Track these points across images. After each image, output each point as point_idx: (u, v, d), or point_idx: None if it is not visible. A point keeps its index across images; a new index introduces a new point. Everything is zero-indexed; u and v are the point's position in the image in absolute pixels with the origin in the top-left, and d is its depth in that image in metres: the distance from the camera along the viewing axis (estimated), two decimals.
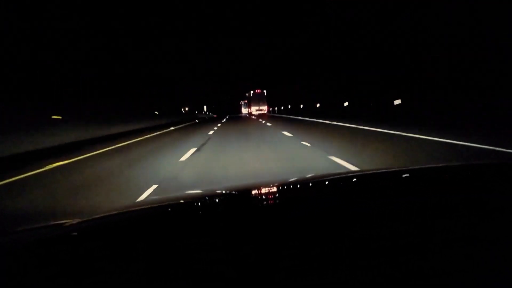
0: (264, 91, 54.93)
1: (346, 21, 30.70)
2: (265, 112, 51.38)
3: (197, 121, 37.81)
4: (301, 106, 44.65)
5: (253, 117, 41.09)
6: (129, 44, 31.69)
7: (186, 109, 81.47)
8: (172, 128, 23.13)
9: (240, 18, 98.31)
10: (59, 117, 17.34)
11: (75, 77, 19.88)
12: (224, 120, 35.20)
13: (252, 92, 56.49)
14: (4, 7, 14.96)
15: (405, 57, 22.06)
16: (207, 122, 33.51)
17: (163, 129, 21.27)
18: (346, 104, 29.71)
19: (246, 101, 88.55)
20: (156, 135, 17.26)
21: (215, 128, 19.36)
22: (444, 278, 0.53)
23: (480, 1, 15.48)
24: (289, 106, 51.28)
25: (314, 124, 18.54)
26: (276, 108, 60.50)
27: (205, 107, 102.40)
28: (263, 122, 24.38)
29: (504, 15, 13.77)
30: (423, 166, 1.63)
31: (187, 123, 30.85)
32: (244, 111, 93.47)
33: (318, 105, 38.04)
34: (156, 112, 35.62)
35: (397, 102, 21.89)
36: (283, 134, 12.96)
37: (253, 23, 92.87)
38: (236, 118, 43.08)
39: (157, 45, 43.23)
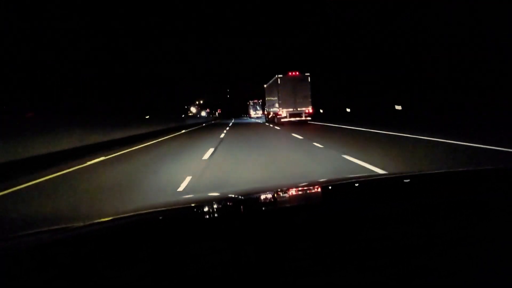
0: (307, 74, 24.40)
1: (346, 21, 30.79)
2: (308, 117, 23.59)
3: (183, 131, 21.77)
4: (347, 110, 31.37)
5: (273, 126, 22.08)
6: (129, 44, 31.74)
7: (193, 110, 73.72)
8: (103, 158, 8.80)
9: (240, 18, 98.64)
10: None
11: (75, 77, 19.93)
12: (224, 132, 17.65)
13: (280, 77, 24.47)
14: (4, 7, 14.98)
15: (405, 57, 22.12)
16: (196, 137, 16.10)
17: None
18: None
19: (256, 100, 65.30)
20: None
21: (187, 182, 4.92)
22: (447, 278, 0.53)
23: (480, 1, 15.51)
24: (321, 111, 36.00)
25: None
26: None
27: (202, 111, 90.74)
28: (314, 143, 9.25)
29: (504, 15, 13.79)
30: (428, 172, 1.65)
31: (155, 140, 14.62)
32: (254, 114, 64.61)
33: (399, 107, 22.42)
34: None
35: None
36: None
37: (253, 23, 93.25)
38: (242, 126, 26.22)
39: (157, 45, 43.31)
